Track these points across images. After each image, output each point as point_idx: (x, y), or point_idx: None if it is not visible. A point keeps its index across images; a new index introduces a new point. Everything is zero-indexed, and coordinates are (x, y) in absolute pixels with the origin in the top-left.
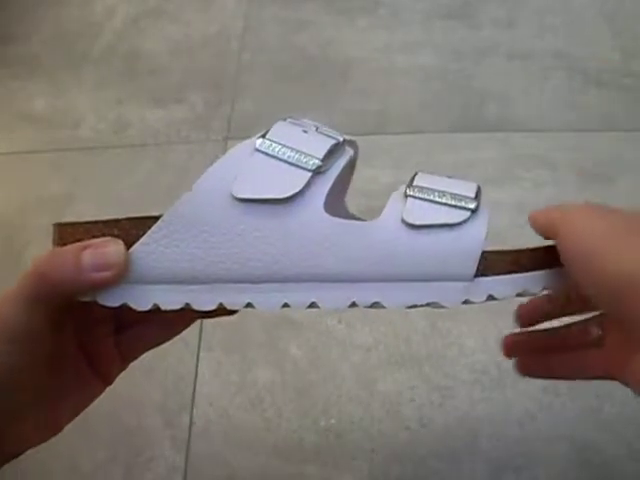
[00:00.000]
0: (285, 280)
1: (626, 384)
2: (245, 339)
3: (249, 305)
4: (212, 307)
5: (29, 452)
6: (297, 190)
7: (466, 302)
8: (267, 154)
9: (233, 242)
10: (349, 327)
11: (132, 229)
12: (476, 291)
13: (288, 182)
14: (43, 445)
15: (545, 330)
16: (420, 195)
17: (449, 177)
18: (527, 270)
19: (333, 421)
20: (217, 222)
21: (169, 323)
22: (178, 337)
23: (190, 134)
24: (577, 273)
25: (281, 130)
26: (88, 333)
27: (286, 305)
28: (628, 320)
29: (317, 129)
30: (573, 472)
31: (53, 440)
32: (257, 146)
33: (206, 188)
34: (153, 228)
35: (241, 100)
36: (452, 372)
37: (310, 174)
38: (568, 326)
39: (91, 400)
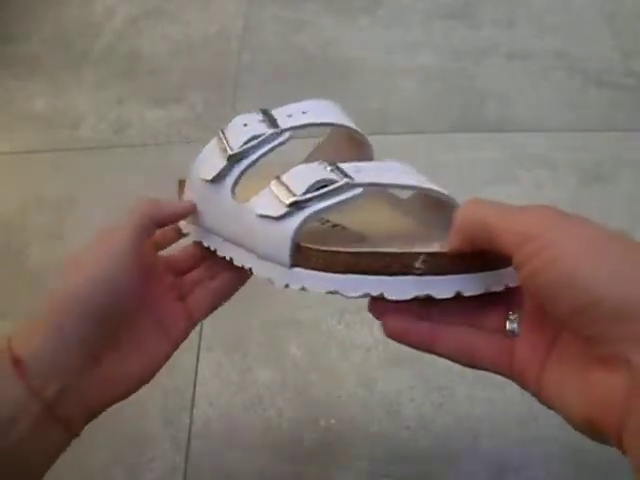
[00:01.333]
0: (226, 240)
1: (541, 400)
2: (245, 339)
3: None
4: (212, 251)
5: None
6: (212, 175)
7: (287, 286)
8: (219, 146)
9: (208, 210)
10: (349, 327)
11: None
12: (292, 279)
13: (213, 168)
14: None
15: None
16: (273, 188)
17: (326, 167)
18: (338, 272)
19: (333, 421)
20: (198, 195)
21: (227, 280)
22: None
23: (190, 134)
24: (557, 299)
25: (233, 124)
26: (158, 300)
27: (231, 258)
28: (606, 341)
29: (264, 121)
30: (573, 472)
31: None
32: (217, 138)
33: (193, 169)
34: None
35: (241, 100)
36: (452, 372)
37: (225, 162)
38: (482, 306)
39: (159, 362)
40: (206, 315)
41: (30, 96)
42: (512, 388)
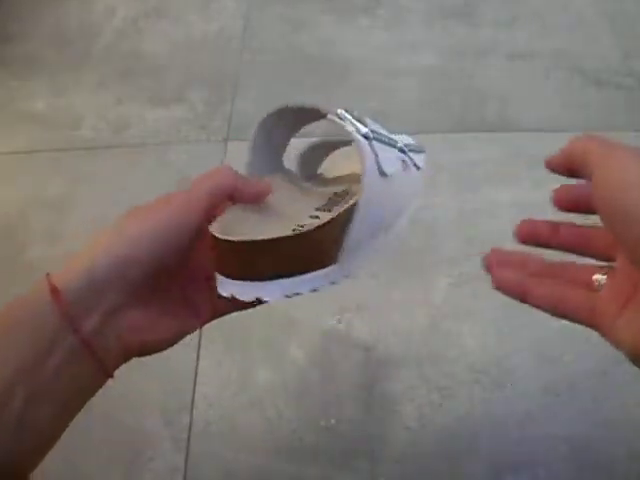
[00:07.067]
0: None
1: (610, 339)
2: (245, 339)
3: None
4: None
5: None
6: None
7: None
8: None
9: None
10: (349, 327)
11: None
12: None
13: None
14: None
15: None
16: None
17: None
18: None
19: (333, 421)
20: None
21: None
22: None
23: (190, 134)
24: (613, 225)
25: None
26: (193, 283)
27: None
28: None
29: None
30: (572, 472)
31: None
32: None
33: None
34: None
35: (241, 100)
36: (452, 372)
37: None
38: (573, 263)
39: (184, 334)
40: (237, 308)
41: (30, 96)
42: (512, 388)
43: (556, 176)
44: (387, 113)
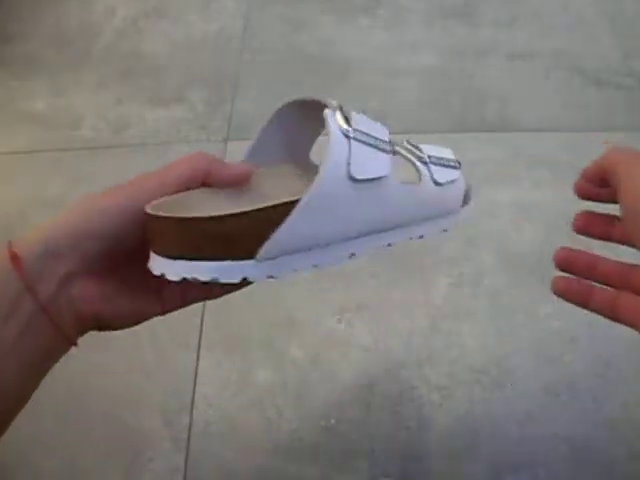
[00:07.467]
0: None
1: None
2: (245, 339)
3: None
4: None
5: (28, 453)
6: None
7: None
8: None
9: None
10: (349, 327)
11: None
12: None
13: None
14: (43, 445)
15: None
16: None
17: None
18: None
19: (333, 421)
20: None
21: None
22: (178, 337)
23: (190, 134)
24: (637, 233)
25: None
26: None
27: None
28: None
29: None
30: (572, 472)
31: (53, 440)
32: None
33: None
34: None
35: (241, 100)
36: (452, 372)
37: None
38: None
39: (143, 316)
40: (198, 299)
41: (30, 96)
42: (512, 388)
43: (556, 177)
44: (387, 113)
